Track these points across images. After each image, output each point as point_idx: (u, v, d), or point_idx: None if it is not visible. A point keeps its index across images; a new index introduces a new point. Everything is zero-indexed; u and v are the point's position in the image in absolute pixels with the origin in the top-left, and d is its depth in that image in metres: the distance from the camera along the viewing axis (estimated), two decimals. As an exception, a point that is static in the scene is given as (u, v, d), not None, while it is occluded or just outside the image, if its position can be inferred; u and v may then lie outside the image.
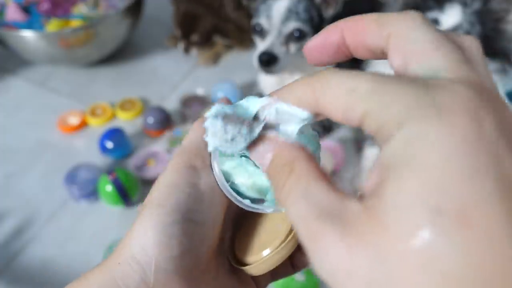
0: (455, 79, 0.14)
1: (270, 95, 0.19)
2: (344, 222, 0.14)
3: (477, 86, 0.14)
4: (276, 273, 0.28)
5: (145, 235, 0.21)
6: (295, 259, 0.27)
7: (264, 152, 0.19)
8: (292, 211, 0.16)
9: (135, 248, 0.21)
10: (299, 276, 0.62)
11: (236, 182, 0.23)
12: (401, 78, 0.15)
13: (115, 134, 0.82)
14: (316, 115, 0.18)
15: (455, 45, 0.16)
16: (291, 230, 0.24)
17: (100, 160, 0.83)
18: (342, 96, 0.15)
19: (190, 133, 0.25)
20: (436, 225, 0.12)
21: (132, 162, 0.82)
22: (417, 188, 0.13)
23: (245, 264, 0.24)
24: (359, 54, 0.19)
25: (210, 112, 0.20)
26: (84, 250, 0.70)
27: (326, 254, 0.14)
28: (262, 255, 0.24)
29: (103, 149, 0.82)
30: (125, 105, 0.94)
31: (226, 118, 0.19)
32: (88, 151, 0.86)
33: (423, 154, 0.13)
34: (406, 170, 0.13)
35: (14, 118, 0.94)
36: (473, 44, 0.17)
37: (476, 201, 0.12)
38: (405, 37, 0.16)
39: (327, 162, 0.77)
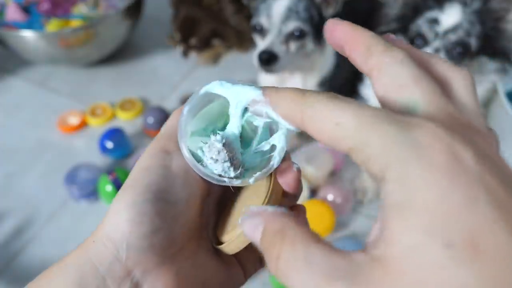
0: (431, 114, 0.16)
1: (263, 91, 0.20)
2: (354, 278, 0.14)
3: (450, 120, 0.16)
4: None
5: (118, 214, 0.22)
6: None
7: (256, 227, 0.19)
8: (296, 280, 0.15)
9: (109, 227, 0.22)
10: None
11: (204, 161, 0.24)
12: (383, 114, 0.16)
13: (115, 134, 0.82)
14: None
15: (434, 80, 0.17)
16: (263, 202, 0.24)
17: (100, 160, 0.83)
18: (329, 128, 0.16)
19: (167, 121, 0.26)
20: (453, 258, 0.13)
21: (132, 162, 0.82)
22: (424, 228, 0.13)
23: (223, 243, 0.25)
24: (352, 61, 0.20)
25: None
26: (84, 250, 0.70)
27: None
28: (235, 232, 0.24)
29: (103, 149, 0.82)
30: (125, 105, 0.94)
31: (227, 145, 0.23)
32: (88, 151, 0.86)
33: (419, 195, 0.14)
34: (407, 213, 0.14)
35: (14, 118, 0.94)
36: (461, 77, 0.18)
37: (481, 229, 0.13)
38: (387, 72, 0.18)
39: (327, 162, 0.77)
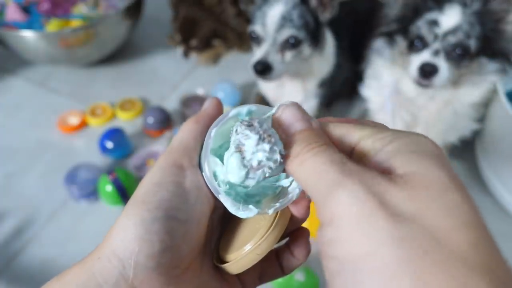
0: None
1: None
2: (362, 179, 0.17)
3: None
4: (264, 275, 0.27)
5: (126, 230, 0.22)
6: (284, 260, 0.27)
7: (301, 116, 0.22)
8: (312, 165, 0.19)
9: (116, 243, 0.22)
10: (299, 276, 0.62)
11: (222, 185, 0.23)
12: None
13: (115, 134, 0.82)
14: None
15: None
16: (269, 227, 0.24)
17: (100, 160, 0.83)
18: (348, 126, 0.21)
19: (179, 133, 0.25)
20: (451, 181, 0.17)
21: (132, 162, 0.82)
22: (435, 171, 0.18)
23: (227, 262, 0.25)
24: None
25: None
26: (84, 250, 0.69)
27: (342, 200, 0.17)
28: (241, 251, 0.24)
29: (103, 149, 0.82)
30: (125, 105, 0.94)
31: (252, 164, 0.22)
32: (88, 151, 0.86)
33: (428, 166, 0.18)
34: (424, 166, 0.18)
35: (14, 118, 0.94)
36: (373, 122, 0.24)
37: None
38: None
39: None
